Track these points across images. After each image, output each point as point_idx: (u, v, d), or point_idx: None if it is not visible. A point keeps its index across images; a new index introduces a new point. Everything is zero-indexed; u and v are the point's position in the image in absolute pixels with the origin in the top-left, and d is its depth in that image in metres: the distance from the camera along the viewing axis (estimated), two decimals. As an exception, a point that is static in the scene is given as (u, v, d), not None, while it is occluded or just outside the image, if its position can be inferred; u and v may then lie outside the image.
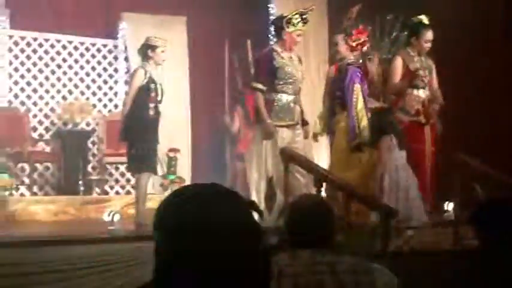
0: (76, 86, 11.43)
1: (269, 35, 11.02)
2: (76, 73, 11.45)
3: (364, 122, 8.08)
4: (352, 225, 6.44)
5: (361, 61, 8.58)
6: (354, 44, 8.51)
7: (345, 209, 6.56)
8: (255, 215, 1.67)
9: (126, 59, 11.50)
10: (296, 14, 7.87)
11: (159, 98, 8.11)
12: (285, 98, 7.77)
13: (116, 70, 11.72)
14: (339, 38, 8.50)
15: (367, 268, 3.21)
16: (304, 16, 7.86)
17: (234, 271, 1.62)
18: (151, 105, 8.01)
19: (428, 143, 8.49)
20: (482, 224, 3.64)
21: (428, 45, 8.52)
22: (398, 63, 8.56)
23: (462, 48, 10.62)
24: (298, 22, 7.83)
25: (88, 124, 11.34)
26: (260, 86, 7.73)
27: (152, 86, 8.01)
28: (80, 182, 10.56)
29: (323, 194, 7.01)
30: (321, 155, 10.16)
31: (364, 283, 3.16)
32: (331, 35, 10.29)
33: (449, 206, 8.38)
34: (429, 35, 8.53)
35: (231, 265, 1.62)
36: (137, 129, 7.94)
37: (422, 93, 8.48)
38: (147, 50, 8.10)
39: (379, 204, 6.64)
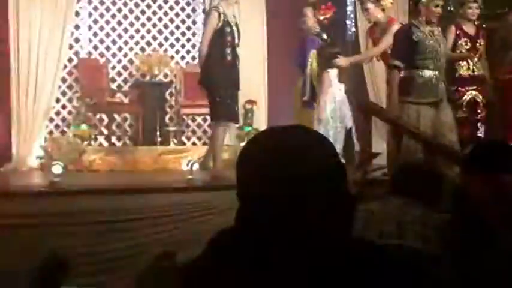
0: (154, 38, 11.46)
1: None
2: (154, 25, 11.47)
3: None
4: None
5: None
6: (321, 18, 8.57)
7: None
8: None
9: (204, 11, 11.46)
10: None
11: (236, 42, 7.81)
12: (427, 74, 7.08)
13: (194, 22, 11.71)
14: (308, 11, 8.66)
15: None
16: None
17: (315, 210, 1.61)
18: (228, 49, 7.69)
19: None
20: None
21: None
22: None
23: None
24: None
25: (166, 76, 11.41)
26: (397, 62, 7.06)
27: (228, 29, 7.69)
28: (158, 133, 10.66)
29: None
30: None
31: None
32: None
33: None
34: None
35: (313, 204, 1.61)
36: (216, 75, 7.65)
37: None
38: None
39: (455, 155, 6.55)
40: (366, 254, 1.69)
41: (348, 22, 11.66)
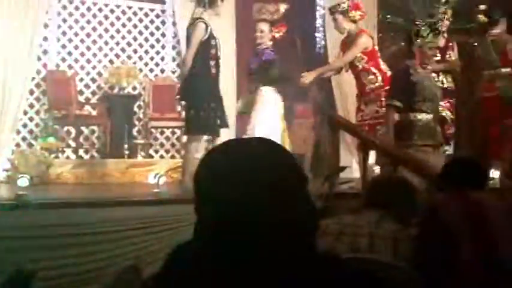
0: (123, 50, 11.45)
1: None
2: (123, 37, 11.46)
3: None
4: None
5: None
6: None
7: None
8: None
9: (174, 23, 11.46)
10: (425, 24, 7.24)
11: (219, 54, 7.72)
12: (425, 117, 7.04)
13: (163, 35, 11.69)
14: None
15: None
16: (435, 26, 7.28)
17: (274, 223, 1.61)
18: (212, 62, 7.60)
19: None
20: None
21: None
22: None
23: None
24: (428, 34, 7.16)
25: (134, 88, 11.37)
26: (397, 103, 6.93)
27: (213, 41, 7.60)
28: (125, 146, 10.61)
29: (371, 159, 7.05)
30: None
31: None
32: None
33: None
34: None
35: (273, 217, 1.61)
36: (198, 89, 7.52)
37: None
38: None
39: (425, 168, 6.58)
40: (327, 268, 1.70)
41: (317, 35, 11.74)
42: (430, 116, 6.98)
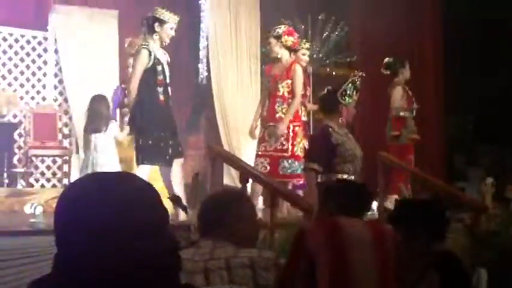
0: (3, 77, 11.20)
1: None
2: (4, 64, 11.23)
3: None
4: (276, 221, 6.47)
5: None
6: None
7: (270, 205, 6.60)
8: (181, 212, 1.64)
9: (56, 51, 11.32)
10: (349, 83, 6.85)
11: (167, 81, 7.49)
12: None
13: (45, 62, 11.50)
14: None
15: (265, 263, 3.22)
16: (356, 84, 6.90)
17: (135, 260, 1.61)
18: (160, 89, 7.40)
19: None
20: (393, 222, 3.86)
21: None
22: None
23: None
24: (354, 91, 6.83)
25: (15, 116, 11.14)
26: (316, 166, 6.56)
27: (159, 67, 7.40)
28: (5, 174, 10.39)
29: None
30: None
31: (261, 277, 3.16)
32: (262, 31, 10.44)
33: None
34: None
35: (133, 255, 1.61)
36: (147, 117, 7.32)
37: None
38: (153, 23, 7.48)
39: (301, 201, 6.67)
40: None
41: (200, 66, 11.80)
42: (351, 178, 6.58)
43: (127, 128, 8.60)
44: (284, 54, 8.59)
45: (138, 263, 1.60)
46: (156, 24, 7.44)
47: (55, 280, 1.65)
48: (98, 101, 8.86)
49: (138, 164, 7.65)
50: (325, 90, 6.91)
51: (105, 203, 1.61)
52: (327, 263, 3.42)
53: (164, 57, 7.58)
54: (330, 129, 6.66)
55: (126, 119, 8.94)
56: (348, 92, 6.73)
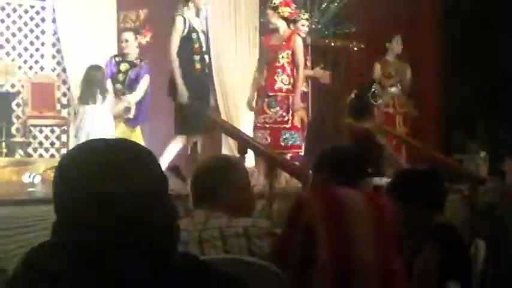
0: (1, 47, 11.15)
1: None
2: (1, 33, 11.17)
3: None
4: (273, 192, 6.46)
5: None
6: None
7: (268, 175, 6.59)
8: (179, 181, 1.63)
9: (54, 20, 11.26)
10: (376, 84, 6.95)
11: (204, 49, 7.49)
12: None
13: (42, 32, 11.45)
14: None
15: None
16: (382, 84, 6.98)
17: (138, 225, 1.61)
18: (196, 57, 7.41)
19: None
20: (391, 193, 3.86)
21: None
22: None
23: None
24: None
25: (13, 86, 11.10)
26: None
27: (194, 35, 7.41)
28: (3, 144, 10.38)
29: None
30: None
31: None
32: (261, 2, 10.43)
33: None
34: None
35: (137, 220, 1.61)
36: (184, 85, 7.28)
37: None
38: None
39: (299, 171, 6.66)
40: (192, 268, 1.70)
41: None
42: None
43: (124, 101, 8.63)
44: (282, 25, 8.56)
45: (137, 232, 1.60)
46: None
47: (53, 246, 1.66)
48: (93, 70, 8.83)
49: (175, 133, 7.72)
50: (353, 95, 6.94)
51: (103, 171, 1.61)
52: (326, 234, 3.41)
53: (200, 26, 7.58)
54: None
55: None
56: (378, 93, 6.75)
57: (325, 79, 8.81)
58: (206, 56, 7.65)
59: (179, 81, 7.45)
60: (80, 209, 1.59)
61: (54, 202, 1.66)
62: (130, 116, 8.86)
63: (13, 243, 5.95)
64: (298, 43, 8.47)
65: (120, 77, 8.93)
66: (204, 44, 7.62)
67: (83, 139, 8.46)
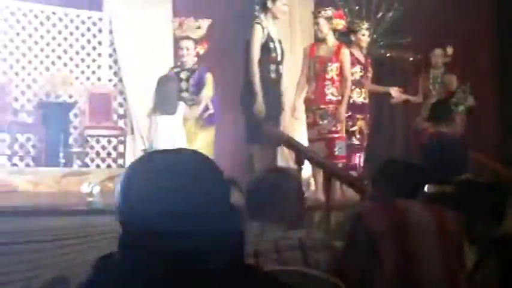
0: (59, 58, 11.31)
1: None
2: (59, 44, 11.33)
3: None
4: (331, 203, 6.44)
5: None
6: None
7: (326, 187, 6.57)
8: (237, 193, 1.64)
9: (111, 31, 11.40)
10: (460, 92, 7.02)
11: (279, 59, 7.52)
12: None
13: (99, 43, 11.59)
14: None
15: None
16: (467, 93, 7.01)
17: (204, 235, 1.62)
18: (273, 66, 7.45)
19: None
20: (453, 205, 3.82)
21: None
22: None
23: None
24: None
25: (70, 96, 11.21)
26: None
27: (271, 44, 7.45)
28: (61, 154, 10.50)
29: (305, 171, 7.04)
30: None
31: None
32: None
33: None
34: None
35: (202, 230, 1.62)
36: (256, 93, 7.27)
37: None
38: (266, 0, 7.55)
39: (357, 182, 6.63)
40: (252, 281, 1.71)
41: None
42: None
43: (198, 103, 8.65)
44: (331, 37, 8.52)
45: (208, 242, 1.61)
46: (269, 1, 7.53)
47: (117, 257, 1.68)
48: (165, 80, 8.78)
49: (247, 142, 7.76)
50: (435, 100, 7.01)
51: (175, 182, 1.62)
52: (390, 247, 3.40)
53: (277, 35, 7.59)
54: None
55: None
56: (460, 101, 6.81)
57: (398, 98, 8.85)
58: (281, 66, 7.65)
59: (258, 91, 7.47)
60: (150, 219, 1.60)
61: (120, 211, 1.68)
62: (211, 110, 8.82)
63: (74, 252, 6.02)
64: (347, 56, 8.45)
65: (183, 85, 8.94)
66: (279, 54, 7.62)
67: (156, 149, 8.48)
